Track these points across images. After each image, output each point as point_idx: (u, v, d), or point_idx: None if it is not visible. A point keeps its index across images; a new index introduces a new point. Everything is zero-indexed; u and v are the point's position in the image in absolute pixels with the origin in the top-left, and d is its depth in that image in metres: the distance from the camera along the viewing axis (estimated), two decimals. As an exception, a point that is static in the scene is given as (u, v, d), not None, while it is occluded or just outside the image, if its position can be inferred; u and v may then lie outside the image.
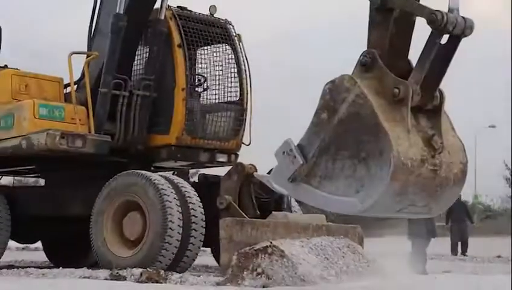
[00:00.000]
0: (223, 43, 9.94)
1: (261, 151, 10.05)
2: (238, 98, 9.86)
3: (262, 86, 11.34)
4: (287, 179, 5.76)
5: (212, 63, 9.95)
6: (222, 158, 9.88)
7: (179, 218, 7.81)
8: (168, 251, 7.76)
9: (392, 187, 5.14)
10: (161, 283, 7.30)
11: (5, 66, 9.42)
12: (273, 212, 8.25)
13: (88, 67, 9.26)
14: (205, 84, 9.92)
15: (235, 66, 9.92)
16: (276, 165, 6.00)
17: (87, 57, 9.42)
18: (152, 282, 7.34)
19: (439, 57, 5.48)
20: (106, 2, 9.62)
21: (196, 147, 9.60)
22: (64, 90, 9.92)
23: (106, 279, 7.72)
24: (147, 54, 9.50)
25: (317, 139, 5.59)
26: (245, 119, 9.91)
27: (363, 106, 5.31)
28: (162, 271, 7.56)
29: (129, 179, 8.30)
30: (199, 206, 8.04)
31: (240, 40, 9.98)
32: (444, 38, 5.39)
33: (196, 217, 7.96)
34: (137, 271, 7.82)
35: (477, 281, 7.61)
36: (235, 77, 9.91)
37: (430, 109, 5.60)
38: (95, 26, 9.79)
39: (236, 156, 10.02)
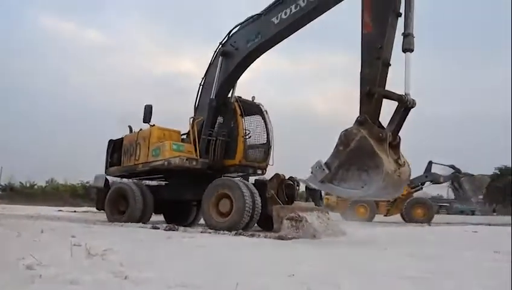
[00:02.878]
0: (258, 114, 9.67)
1: (279, 167, 9.80)
2: (266, 142, 9.56)
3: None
4: (318, 181, 5.48)
5: (252, 124, 9.61)
6: (259, 172, 9.58)
7: (250, 201, 7.50)
8: (244, 220, 7.42)
9: (382, 185, 4.92)
10: (174, 230, 7.15)
11: (154, 125, 9.09)
12: (294, 201, 8.08)
13: (195, 125, 8.94)
14: (249, 134, 9.56)
15: (265, 126, 9.63)
16: (310, 173, 5.66)
17: (194, 119, 9.11)
18: (172, 230, 7.18)
19: (400, 118, 5.27)
20: (205, 90, 9.36)
21: (247, 166, 9.27)
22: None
23: (150, 228, 7.54)
24: (223, 118, 9.20)
25: (336, 160, 5.35)
26: (270, 152, 9.58)
27: (365, 142, 5.09)
28: (176, 226, 7.34)
29: (224, 181, 8.05)
30: (259, 197, 7.77)
31: (267, 113, 9.72)
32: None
33: (257, 202, 7.68)
34: (165, 224, 7.79)
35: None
36: (264, 131, 9.61)
37: (394, 144, 5.39)
38: (198, 101, 9.50)
39: (266, 170, 9.67)
